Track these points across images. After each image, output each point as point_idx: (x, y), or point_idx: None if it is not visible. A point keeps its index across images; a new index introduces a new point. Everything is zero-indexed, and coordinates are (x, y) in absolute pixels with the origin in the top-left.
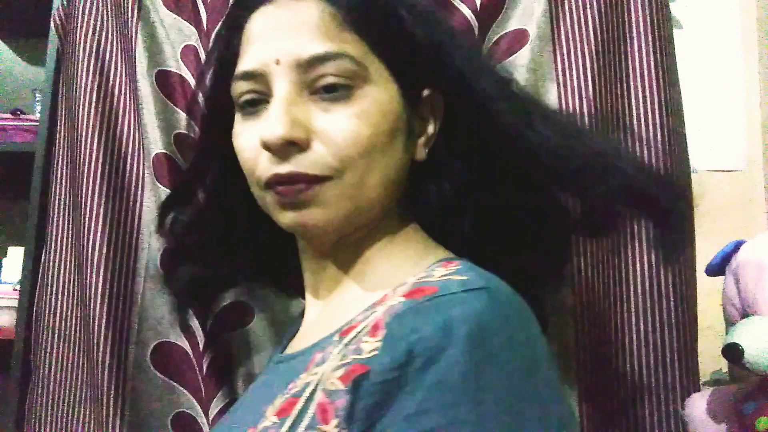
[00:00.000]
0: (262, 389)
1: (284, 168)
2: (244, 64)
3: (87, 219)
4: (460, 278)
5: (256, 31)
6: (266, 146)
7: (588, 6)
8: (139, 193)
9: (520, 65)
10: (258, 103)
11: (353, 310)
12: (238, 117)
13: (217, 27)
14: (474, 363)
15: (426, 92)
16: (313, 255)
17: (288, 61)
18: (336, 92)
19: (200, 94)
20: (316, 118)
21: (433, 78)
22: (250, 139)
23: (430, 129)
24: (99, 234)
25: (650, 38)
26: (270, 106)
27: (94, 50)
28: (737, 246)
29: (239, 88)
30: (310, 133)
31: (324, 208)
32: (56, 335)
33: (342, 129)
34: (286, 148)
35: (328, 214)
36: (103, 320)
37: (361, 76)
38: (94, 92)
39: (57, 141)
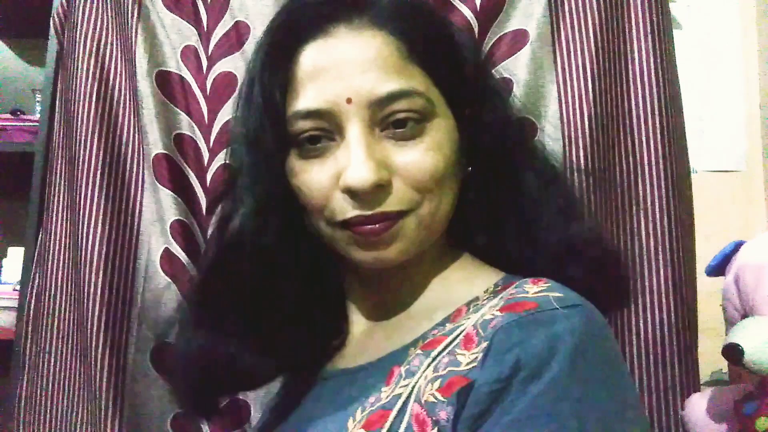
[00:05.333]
0: (318, 405)
1: (371, 209)
2: (307, 102)
3: (86, 219)
4: (556, 295)
5: (316, 65)
6: (354, 191)
7: (588, 6)
8: (139, 193)
9: (520, 65)
10: (319, 140)
11: (423, 325)
12: (293, 153)
13: (254, 56)
14: (577, 374)
15: (469, 111)
16: (368, 278)
17: (360, 99)
18: (407, 127)
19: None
20: (392, 154)
21: (475, 97)
22: (318, 177)
23: (468, 146)
24: (98, 234)
25: (650, 38)
26: (343, 146)
27: (94, 50)
28: (737, 246)
29: (301, 126)
30: (391, 171)
31: (403, 241)
32: (55, 336)
33: (420, 163)
34: (373, 191)
35: (407, 247)
36: (102, 321)
37: (430, 110)
38: (94, 92)
39: (56, 141)
